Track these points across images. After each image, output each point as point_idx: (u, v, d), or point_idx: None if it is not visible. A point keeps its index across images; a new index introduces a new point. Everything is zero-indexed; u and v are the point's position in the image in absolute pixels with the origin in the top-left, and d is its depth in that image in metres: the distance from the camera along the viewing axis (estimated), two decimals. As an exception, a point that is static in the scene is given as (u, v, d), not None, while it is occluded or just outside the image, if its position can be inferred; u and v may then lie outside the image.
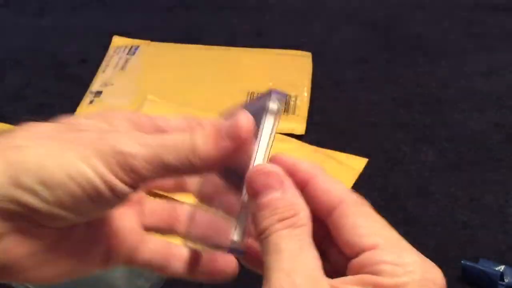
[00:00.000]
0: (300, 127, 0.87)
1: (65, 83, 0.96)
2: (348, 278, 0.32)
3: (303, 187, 0.35)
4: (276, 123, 0.35)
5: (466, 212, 0.75)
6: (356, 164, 0.81)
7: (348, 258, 0.34)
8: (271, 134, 0.34)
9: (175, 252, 0.40)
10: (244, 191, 0.34)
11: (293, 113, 0.88)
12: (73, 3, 1.14)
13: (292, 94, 0.91)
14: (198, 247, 0.39)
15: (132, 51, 0.99)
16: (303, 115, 0.88)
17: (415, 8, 1.14)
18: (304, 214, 0.33)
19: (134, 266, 0.40)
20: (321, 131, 0.87)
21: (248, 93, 0.91)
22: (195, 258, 0.39)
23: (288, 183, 0.34)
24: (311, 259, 0.32)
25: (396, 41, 1.05)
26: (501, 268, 0.65)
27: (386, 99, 0.93)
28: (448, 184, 0.79)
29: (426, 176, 0.80)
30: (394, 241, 0.34)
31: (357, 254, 0.33)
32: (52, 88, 0.95)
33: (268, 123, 0.34)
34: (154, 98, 0.87)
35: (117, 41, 1.02)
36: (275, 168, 0.34)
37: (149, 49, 1.00)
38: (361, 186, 0.78)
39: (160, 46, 1.02)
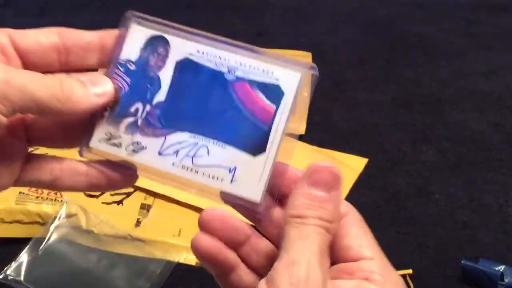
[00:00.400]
0: (300, 127, 0.87)
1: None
2: (343, 282, 0.36)
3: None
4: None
5: (466, 212, 0.75)
6: (356, 164, 0.81)
7: (340, 261, 0.37)
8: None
9: (65, 166, 0.40)
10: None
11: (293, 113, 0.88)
12: (73, 3, 1.14)
13: (292, 94, 0.91)
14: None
15: (132, 51, 0.99)
16: (303, 115, 0.88)
17: (415, 8, 1.14)
18: (335, 226, 0.37)
19: (22, 185, 0.41)
20: (321, 131, 0.87)
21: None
22: (92, 173, 0.40)
23: (339, 192, 0.37)
24: (328, 265, 0.36)
25: (396, 41, 1.06)
26: (501, 268, 0.65)
27: (386, 99, 0.93)
28: (448, 184, 0.79)
29: (426, 176, 0.80)
30: (385, 260, 0.37)
31: (355, 260, 0.37)
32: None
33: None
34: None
35: (117, 41, 1.02)
36: (341, 174, 0.38)
37: (149, 49, 1.00)
38: (361, 186, 0.78)
39: (160, 46, 1.01)
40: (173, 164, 0.38)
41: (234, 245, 0.39)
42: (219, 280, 0.40)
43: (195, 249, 0.39)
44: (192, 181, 0.38)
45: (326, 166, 0.37)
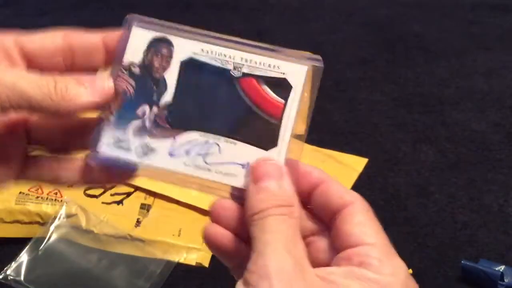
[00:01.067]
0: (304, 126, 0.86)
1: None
2: (334, 268, 0.36)
3: (314, 188, 0.39)
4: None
5: (466, 212, 0.75)
6: (356, 164, 0.81)
7: (339, 250, 0.37)
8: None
9: (64, 165, 0.41)
10: None
11: (293, 113, 0.88)
12: (73, 3, 1.14)
13: (292, 94, 0.91)
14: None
15: (132, 51, 0.99)
16: (303, 115, 0.88)
17: (415, 8, 1.14)
18: (297, 209, 0.36)
19: (23, 182, 0.42)
20: (321, 131, 0.87)
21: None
22: (88, 168, 0.41)
23: (288, 179, 0.37)
24: (301, 249, 0.35)
25: (396, 41, 1.06)
26: (501, 268, 0.65)
27: (386, 99, 0.93)
28: (448, 184, 0.79)
29: (426, 176, 0.80)
30: (388, 246, 0.37)
31: (354, 246, 0.36)
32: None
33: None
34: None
35: (117, 41, 1.02)
36: (279, 163, 0.37)
37: (149, 49, 1.00)
38: (361, 186, 0.78)
39: (160, 46, 1.02)
40: (184, 164, 0.38)
41: (247, 236, 0.38)
42: (234, 273, 0.39)
43: (207, 240, 0.38)
44: (205, 180, 0.38)
45: (263, 160, 0.37)
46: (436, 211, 0.75)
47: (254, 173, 0.37)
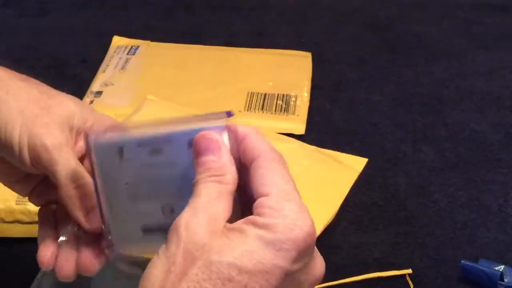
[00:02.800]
0: (300, 127, 0.87)
1: (65, 83, 0.95)
2: (238, 222, 0.38)
3: (240, 142, 0.42)
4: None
5: (466, 212, 0.75)
6: (356, 164, 0.81)
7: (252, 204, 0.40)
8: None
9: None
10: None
11: (293, 113, 0.88)
12: (73, 3, 1.14)
13: (292, 94, 0.91)
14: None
15: (132, 51, 0.99)
16: (303, 115, 0.88)
17: (415, 8, 1.14)
18: (230, 176, 0.40)
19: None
20: (321, 131, 0.87)
21: (248, 93, 0.91)
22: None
23: (225, 150, 0.40)
24: (222, 208, 0.38)
25: (396, 41, 1.06)
26: (501, 268, 0.66)
27: (386, 99, 0.93)
28: (448, 184, 0.79)
29: (426, 176, 0.80)
30: (284, 193, 0.39)
31: (256, 199, 0.39)
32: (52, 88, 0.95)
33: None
34: (154, 98, 0.87)
35: (117, 41, 1.02)
36: (216, 136, 0.40)
37: (149, 49, 1.00)
38: (361, 186, 0.78)
39: (160, 46, 1.02)
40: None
41: None
42: None
43: None
44: None
45: (201, 135, 0.40)
46: (436, 211, 0.75)
47: (195, 148, 0.40)
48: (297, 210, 0.38)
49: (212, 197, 0.38)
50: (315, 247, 0.40)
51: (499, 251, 0.70)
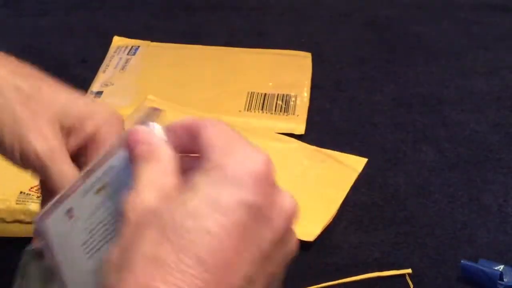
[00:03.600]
0: (300, 127, 0.87)
1: (65, 83, 0.96)
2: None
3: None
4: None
5: (466, 212, 0.75)
6: (356, 164, 0.81)
7: None
8: None
9: None
10: None
11: (293, 113, 0.88)
12: (73, 3, 1.14)
13: (292, 94, 0.91)
14: None
15: (132, 51, 0.99)
16: (303, 115, 0.88)
17: (415, 8, 1.14)
18: (164, 152, 0.39)
19: None
20: (321, 131, 0.87)
21: (248, 93, 0.91)
22: None
23: (152, 134, 0.40)
24: (166, 180, 0.37)
25: (396, 41, 1.06)
26: (501, 268, 0.66)
27: (386, 99, 0.93)
28: (448, 184, 0.79)
29: (426, 176, 0.80)
30: (230, 140, 0.38)
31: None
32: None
33: None
34: (154, 98, 0.87)
35: (117, 41, 1.02)
36: (142, 128, 0.41)
37: (149, 49, 1.00)
38: (361, 186, 0.78)
39: (160, 46, 1.02)
40: None
41: None
42: None
43: None
44: None
45: (130, 133, 0.40)
46: (436, 211, 0.75)
47: (128, 149, 0.40)
48: (246, 147, 0.36)
49: (152, 175, 0.37)
50: (279, 186, 0.36)
51: (499, 251, 0.70)
